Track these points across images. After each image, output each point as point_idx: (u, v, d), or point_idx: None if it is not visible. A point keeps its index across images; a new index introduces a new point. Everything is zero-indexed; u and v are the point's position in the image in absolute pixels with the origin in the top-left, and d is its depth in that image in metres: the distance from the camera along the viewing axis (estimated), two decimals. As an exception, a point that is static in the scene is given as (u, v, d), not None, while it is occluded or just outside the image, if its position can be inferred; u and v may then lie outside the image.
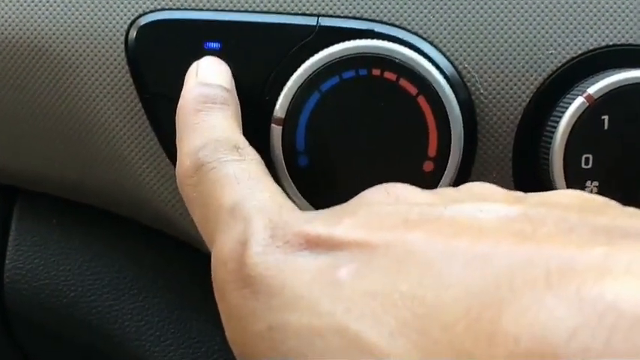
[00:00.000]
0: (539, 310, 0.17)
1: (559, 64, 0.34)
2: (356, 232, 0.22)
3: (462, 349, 0.18)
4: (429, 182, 0.33)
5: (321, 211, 0.25)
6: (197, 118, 0.30)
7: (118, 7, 0.36)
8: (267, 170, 0.28)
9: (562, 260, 0.19)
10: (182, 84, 0.34)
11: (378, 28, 0.34)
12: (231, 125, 0.30)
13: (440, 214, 0.22)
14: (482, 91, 0.34)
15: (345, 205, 0.25)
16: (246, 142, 0.29)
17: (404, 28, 0.35)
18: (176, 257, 0.40)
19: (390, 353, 0.19)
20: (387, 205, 0.23)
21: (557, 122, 0.32)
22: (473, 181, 0.34)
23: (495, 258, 0.19)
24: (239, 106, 0.32)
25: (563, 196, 0.24)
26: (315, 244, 0.22)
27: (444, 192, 0.25)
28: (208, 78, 0.33)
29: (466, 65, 0.34)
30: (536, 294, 0.18)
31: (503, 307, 0.18)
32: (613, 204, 0.23)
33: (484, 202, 0.22)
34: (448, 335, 0.18)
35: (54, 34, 0.36)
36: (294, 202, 0.33)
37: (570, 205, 0.23)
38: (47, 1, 0.36)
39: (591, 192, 0.32)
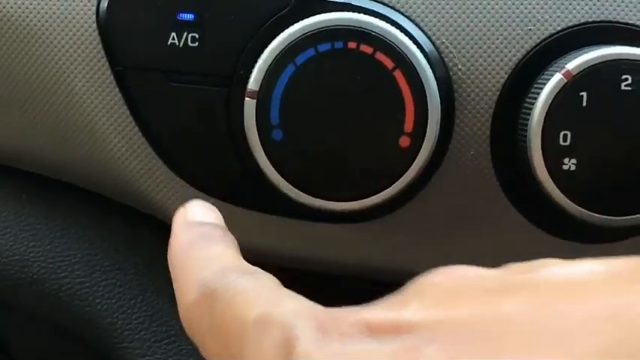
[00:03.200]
0: None
1: (538, 41, 0.34)
2: (429, 311, 0.18)
3: None
4: (404, 157, 0.32)
5: (374, 302, 0.20)
6: (195, 252, 0.25)
7: (90, -24, 0.35)
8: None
9: None
10: (155, 56, 0.34)
11: (355, 1, 0.34)
12: (236, 255, 0.25)
13: (519, 281, 0.19)
14: (460, 67, 0.34)
15: (402, 290, 0.21)
16: (259, 269, 0.24)
17: (381, 2, 0.34)
18: (150, 234, 0.39)
19: None
20: (454, 283, 0.20)
21: (536, 99, 0.32)
22: (451, 158, 0.34)
23: (611, 315, 0.17)
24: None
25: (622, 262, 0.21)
26: (379, 330, 0.18)
27: (507, 266, 0.22)
28: (200, 217, 0.27)
29: (444, 40, 0.34)
30: None
31: None
32: None
33: (556, 265, 0.20)
34: None
35: (23, 3, 0.35)
36: (267, 177, 0.33)
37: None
38: (17, -30, 0.35)
39: (569, 169, 0.32)
